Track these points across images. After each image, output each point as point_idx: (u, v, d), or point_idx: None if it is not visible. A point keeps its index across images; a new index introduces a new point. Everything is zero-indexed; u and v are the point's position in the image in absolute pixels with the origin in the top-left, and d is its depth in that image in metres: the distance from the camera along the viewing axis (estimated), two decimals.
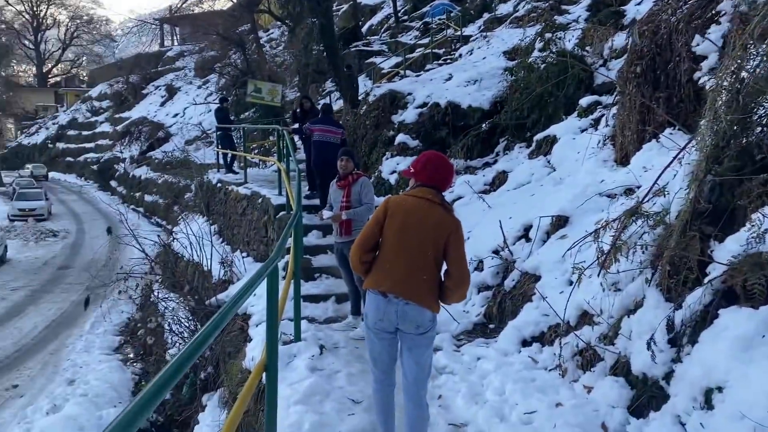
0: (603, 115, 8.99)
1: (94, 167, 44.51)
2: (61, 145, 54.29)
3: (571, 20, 11.34)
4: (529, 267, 5.37)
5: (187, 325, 7.91)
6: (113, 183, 39.95)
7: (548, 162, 8.94)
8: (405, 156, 11.18)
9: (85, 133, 52.20)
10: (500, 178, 9.61)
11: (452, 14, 24.97)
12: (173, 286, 10.08)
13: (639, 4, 10.87)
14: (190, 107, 39.36)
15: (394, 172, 10.87)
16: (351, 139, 12.57)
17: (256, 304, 6.22)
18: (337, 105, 18.83)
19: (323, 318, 6.25)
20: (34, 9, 72.93)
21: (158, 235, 12.72)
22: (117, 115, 49.44)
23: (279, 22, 32.97)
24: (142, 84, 54.04)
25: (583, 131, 8.96)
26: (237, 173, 12.07)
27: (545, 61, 10.51)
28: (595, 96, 9.42)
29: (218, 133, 13.40)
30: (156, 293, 10.33)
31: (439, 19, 25.20)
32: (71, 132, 54.73)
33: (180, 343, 7.76)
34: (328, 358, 4.95)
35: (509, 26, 16.81)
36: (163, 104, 47.62)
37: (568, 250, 4.92)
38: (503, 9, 21.96)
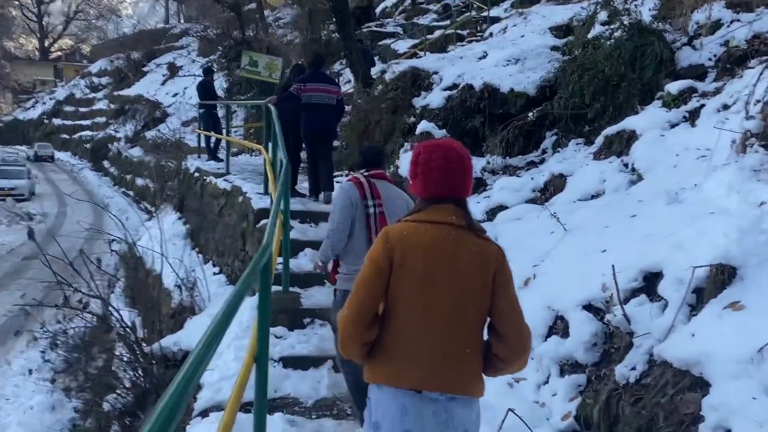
0: (703, 106, 6.75)
1: (88, 146, 42.44)
2: (57, 122, 52.24)
3: None
4: (676, 356, 3.13)
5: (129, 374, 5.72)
6: (106, 163, 37.86)
7: (626, 165, 6.73)
8: None
9: (82, 109, 50.11)
10: (556, 184, 7.39)
11: None
12: (133, 300, 7.90)
13: None
14: (191, 86, 37.15)
15: None
16: (362, 126, 10.34)
17: (213, 367, 4.04)
18: (346, 87, 16.59)
19: (312, 401, 4.07)
20: None
21: (126, 233, 10.54)
22: (116, 93, 47.31)
23: (287, 2, 30.80)
24: (143, 61, 51.95)
25: (674, 126, 6.75)
26: (221, 160, 9.86)
27: (612, 36, 8.25)
28: (688, 81, 7.17)
29: (201, 111, 11.18)
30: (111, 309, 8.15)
31: (461, 1, 23.01)
32: (68, 108, 52.65)
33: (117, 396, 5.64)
34: None
35: (549, 3, 14.55)
36: (163, 83, 45.56)
37: (766, 345, 2.70)
38: None
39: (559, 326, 4.15)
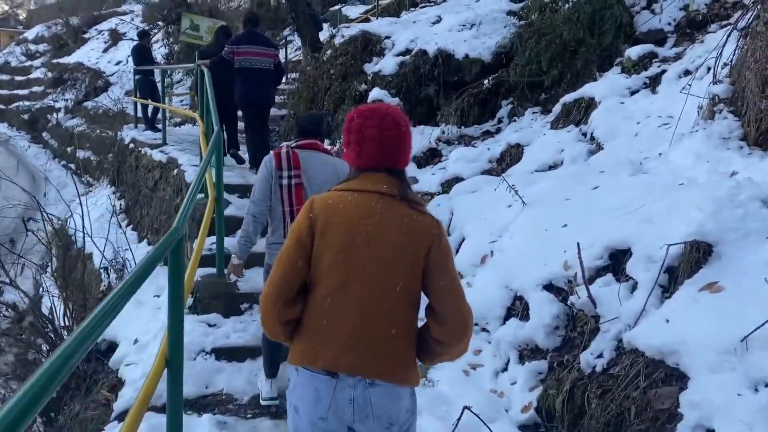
0: (664, 72, 6.50)
1: (25, 117, 40.32)
2: None
3: None
4: (649, 344, 2.79)
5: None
6: (45, 135, 36.05)
7: (584, 135, 6.46)
8: None
9: (18, 78, 47.42)
10: (512, 154, 7.09)
11: None
12: (65, 281, 7.28)
13: None
14: None
15: None
16: (310, 94, 9.80)
17: (137, 361, 3.58)
18: (295, 54, 15.90)
19: (248, 397, 3.65)
20: None
21: (67, 206, 9.76)
22: (54, 60, 44.93)
23: None
24: (84, 28, 49.45)
25: (634, 93, 6.49)
26: (160, 131, 9.17)
27: (569, 1, 7.91)
28: (648, 45, 6.90)
29: (136, 77, 10.38)
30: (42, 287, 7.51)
31: None
32: (2, 77, 49.81)
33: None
34: None
35: None
36: (105, 50, 43.43)
37: (750, 334, 2.39)
38: None
39: (517, 307, 3.83)
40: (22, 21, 70.41)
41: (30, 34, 54.91)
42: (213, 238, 4.64)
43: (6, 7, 72.49)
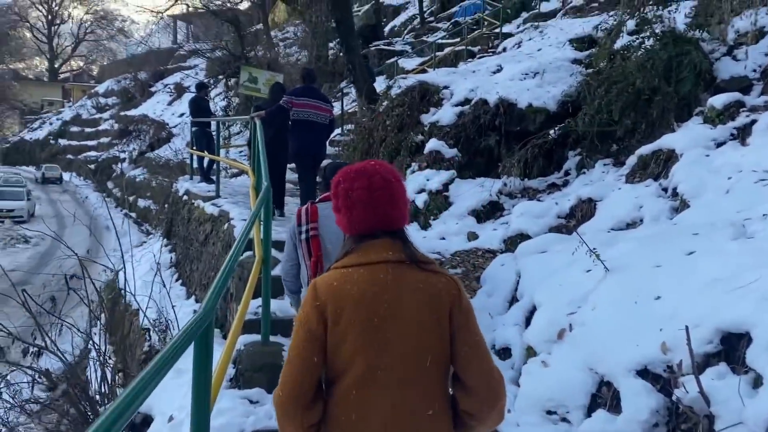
0: (754, 122, 5.90)
1: (92, 166, 41.98)
2: (63, 142, 51.97)
3: None
4: None
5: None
6: (110, 184, 37.31)
7: (665, 190, 5.89)
8: (439, 169, 8.11)
9: (87, 130, 49.84)
10: (584, 209, 6.55)
11: (486, 13, 22.14)
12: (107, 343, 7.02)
13: None
14: None
15: (422, 191, 7.82)
16: (365, 145, 9.53)
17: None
18: (351, 108, 15.84)
19: None
20: (50, 3, 71.13)
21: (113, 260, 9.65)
22: (122, 113, 47.05)
23: (294, 23, 30.29)
24: (150, 81, 51.84)
25: (720, 145, 5.90)
26: (214, 182, 9.04)
27: (642, 46, 7.43)
28: (734, 94, 6.32)
29: (193, 129, 10.37)
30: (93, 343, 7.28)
31: (471, 19, 22.33)
32: (74, 128, 52.43)
33: None
34: None
35: (566, 17, 13.79)
36: (170, 103, 45.40)
37: None
38: (546, 6, 19.19)
39: (605, 395, 3.26)
40: (94, 76, 74.50)
41: (101, 88, 57.91)
42: (259, 301, 4.27)
43: (81, 64, 76.94)
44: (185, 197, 8.74)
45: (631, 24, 8.17)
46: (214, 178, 9.56)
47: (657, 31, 7.29)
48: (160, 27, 64.37)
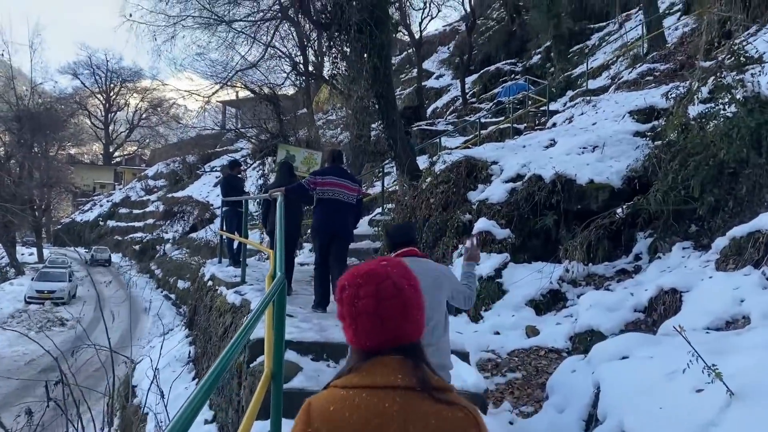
0: None
1: (137, 247, 42.37)
2: (111, 223, 53.09)
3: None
4: None
5: None
6: (152, 265, 37.39)
7: None
8: (490, 252, 7.20)
9: (135, 211, 50.89)
10: (666, 302, 5.50)
11: (528, 93, 21.77)
12: None
13: None
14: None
15: None
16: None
17: None
18: (391, 186, 15.18)
19: None
20: (108, 91, 74.95)
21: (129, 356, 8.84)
22: (169, 195, 48.00)
23: (335, 106, 30.57)
24: (198, 164, 53.13)
25: None
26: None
27: (720, 114, 6.54)
28: None
29: (224, 209, 9.75)
30: None
31: (514, 98, 21.94)
32: (123, 210, 53.66)
33: None
34: None
35: (618, 91, 13.05)
36: (216, 185, 46.13)
37: None
38: (594, 84, 18.63)
39: None
40: (145, 159, 77.13)
41: (150, 170, 59.64)
42: (266, 424, 3.34)
43: (134, 148, 79.97)
44: (210, 283, 7.99)
45: (705, 91, 7.31)
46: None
47: (738, 96, 6.41)
48: (209, 112, 66.75)
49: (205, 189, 45.85)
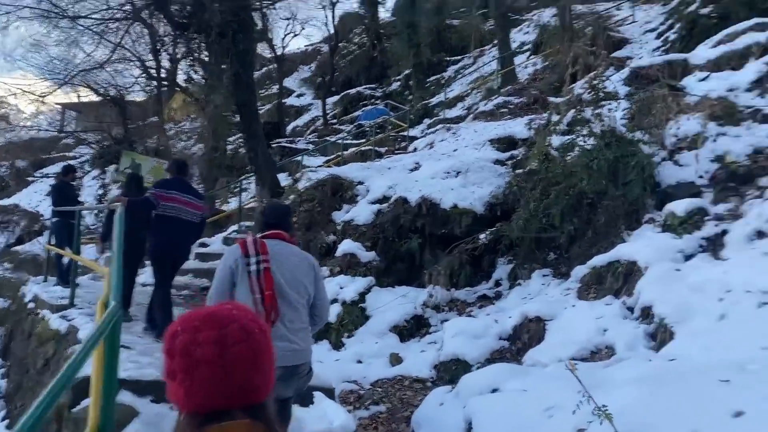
0: (725, 232, 5.17)
1: None
2: None
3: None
4: None
5: None
6: None
7: (630, 310, 4.94)
8: (354, 275, 6.87)
9: None
10: (531, 330, 5.47)
11: (389, 118, 22.14)
12: None
13: (704, 80, 7.48)
14: (81, 198, 33.84)
15: (335, 301, 6.47)
16: None
17: None
18: (249, 203, 14.44)
19: None
20: None
21: None
22: None
23: (189, 116, 29.06)
24: (29, 170, 48.14)
25: (689, 257, 5.09)
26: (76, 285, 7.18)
27: (580, 145, 6.77)
28: (697, 200, 5.62)
29: (53, 219, 8.49)
30: None
31: (375, 122, 22.17)
32: None
33: None
34: None
35: (475, 121, 13.44)
36: (48, 194, 41.89)
37: None
38: (451, 113, 19.29)
39: None
40: None
41: None
42: None
43: None
44: (32, 304, 6.83)
45: (563, 124, 7.57)
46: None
47: (596, 130, 6.66)
48: (45, 115, 61.03)
49: (36, 197, 41.55)
